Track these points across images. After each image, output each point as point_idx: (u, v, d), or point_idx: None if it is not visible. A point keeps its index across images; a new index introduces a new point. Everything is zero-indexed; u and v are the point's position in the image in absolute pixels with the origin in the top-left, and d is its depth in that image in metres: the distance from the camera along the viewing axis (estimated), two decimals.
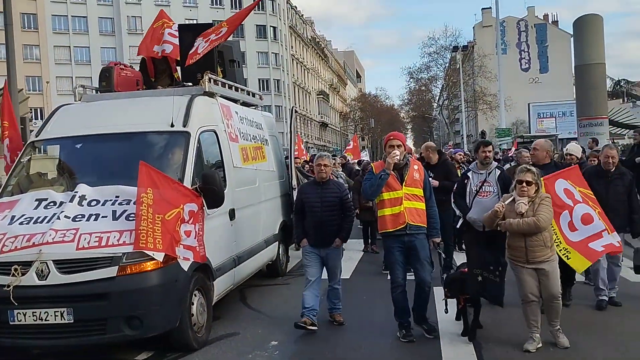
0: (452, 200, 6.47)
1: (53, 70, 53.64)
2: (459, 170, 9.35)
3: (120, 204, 5.24)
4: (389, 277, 5.83)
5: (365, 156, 21.98)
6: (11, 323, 4.85)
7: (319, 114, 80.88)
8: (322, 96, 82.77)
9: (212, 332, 5.86)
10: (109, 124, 6.28)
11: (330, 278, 6.18)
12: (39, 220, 5.15)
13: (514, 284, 5.38)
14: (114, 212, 5.17)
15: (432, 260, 5.54)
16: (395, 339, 5.56)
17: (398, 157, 5.31)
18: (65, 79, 53.03)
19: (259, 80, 59.46)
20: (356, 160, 16.74)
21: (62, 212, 5.14)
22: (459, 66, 49.76)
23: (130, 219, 5.03)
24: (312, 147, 61.58)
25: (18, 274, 4.80)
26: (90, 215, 5.13)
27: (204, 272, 5.68)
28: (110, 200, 5.30)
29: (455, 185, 6.58)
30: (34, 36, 52.39)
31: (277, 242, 8.39)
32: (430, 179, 6.24)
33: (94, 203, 5.28)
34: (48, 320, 4.81)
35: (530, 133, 39.44)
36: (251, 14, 7.87)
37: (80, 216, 5.12)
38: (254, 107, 8.69)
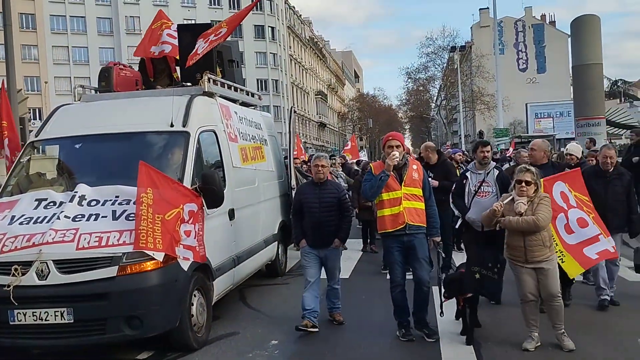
0: (451, 200, 6.47)
1: (51, 70, 53.56)
2: (458, 171, 9.37)
3: (120, 203, 5.24)
4: (388, 276, 5.84)
5: (363, 156, 21.99)
6: (11, 323, 4.85)
7: (317, 114, 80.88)
8: (320, 96, 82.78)
9: (212, 331, 5.87)
10: (109, 124, 6.28)
11: (330, 278, 6.18)
12: (38, 220, 5.15)
13: (513, 284, 5.40)
14: (114, 212, 5.17)
15: (430, 260, 5.55)
16: (394, 339, 5.58)
17: (397, 159, 5.31)
18: (64, 79, 52.97)
19: (257, 80, 59.45)
20: (355, 160, 16.76)
21: (62, 212, 5.15)
22: (457, 66, 49.77)
23: (130, 218, 5.04)
24: (310, 147, 61.61)
25: (18, 274, 4.80)
26: (90, 215, 5.14)
27: (204, 272, 5.68)
28: (110, 200, 5.30)
29: (454, 186, 6.59)
30: (32, 36, 52.31)
31: (276, 242, 8.40)
32: (429, 179, 6.25)
33: (93, 203, 5.28)
34: (48, 320, 4.81)
35: (527, 133, 39.45)
36: (249, 14, 7.88)
37: (80, 216, 5.13)
38: (253, 107, 8.70)
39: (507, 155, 18.82)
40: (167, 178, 5.37)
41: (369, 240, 10.80)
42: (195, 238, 5.34)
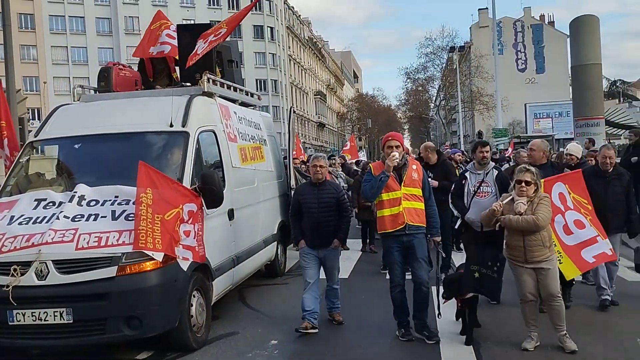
0: (450, 200, 6.46)
1: (50, 70, 53.54)
2: (457, 171, 9.37)
3: (119, 204, 5.24)
4: (387, 276, 5.84)
5: (362, 156, 22.02)
6: (10, 323, 4.85)
7: (316, 115, 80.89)
8: (319, 96, 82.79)
9: (211, 331, 5.86)
10: (108, 124, 6.27)
11: (329, 278, 6.18)
12: (38, 221, 5.15)
13: (513, 284, 5.40)
14: (113, 212, 5.17)
15: (430, 259, 5.55)
16: (394, 338, 5.58)
17: (397, 160, 5.30)
18: (63, 79, 52.95)
19: (257, 80, 59.42)
20: (354, 160, 16.78)
21: (62, 212, 5.14)
22: (456, 67, 49.77)
23: (130, 219, 5.03)
24: (309, 148, 61.63)
25: (17, 274, 4.80)
26: (90, 215, 5.13)
27: (203, 272, 5.68)
28: (110, 200, 5.30)
29: (453, 186, 6.58)
30: (31, 36, 52.28)
31: (275, 242, 8.39)
32: (429, 179, 6.25)
33: (93, 203, 5.28)
34: (47, 320, 4.81)
35: (526, 133, 39.51)
36: (248, 14, 7.88)
37: (79, 216, 5.12)
38: (252, 107, 8.70)
39: (506, 155, 18.83)
40: (166, 178, 5.37)
41: (368, 240, 10.80)
42: (194, 238, 5.34)
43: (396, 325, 5.64)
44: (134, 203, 5.09)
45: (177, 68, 7.92)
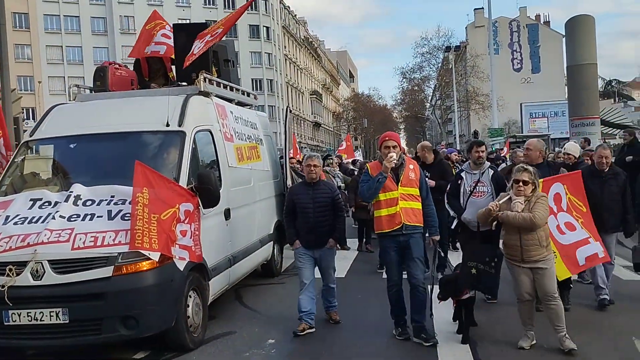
0: (446, 200, 6.45)
1: (45, 70, 53.33)
2: (454, 170, 9.38)
3: (115, 203, 5.22)
4: (383, 275, 5.85)
5: (358, 156, 22.01)
6: (6, 323, 4.82)
7: (312, 114, 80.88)
8: (315, 96, 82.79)
9: (208, 331, 5.86)
10: (104, 123, 6.25)
11: (325, 278, 6.17)
12: (33, 220, 5.12)
13: (509, 283, 5.42)
14: (110, 211, 5.15)
15: (426, 259, 5.55)
16: (391, 337, 5.59)
17: (395, 161, 5.28)
18: (58, 78, 52.78)
19: (252, 80, 59.39)
20: (350, 160, 16.79)
21: (57, 212, 5.12)
22: (452, 66, 49.92)
23: (126, 218, 5.01)
24: (305, 147, 61.56)
25: (13, 274, 4.78)
26: (86, 215, 5.11)
27: (200, 272, 5.67)
28: (106, 200, 5.28)
29: (449, 186, 6.58)
30: (25, 35, 52.07)
31: (271, 242, 8.38)
32: (426, 178, 6.24)
33: (89, 203, 5.26)
34: (43, 320, 4.78)
35: (522, 133, 39.63)
36: (244, 13, 7.87)
37: (75, 216, 5.10)
38: (248, 107, 8.69)
39: (502, 155, 18.87)
40: (163, 178, 5.35)
41: (364, 240, 10.81)
42: (191, 238, 5.33)
43: (393, 324, 5.64)
44: (130, 203, 5.07)
45: (173, 67, 7.91)
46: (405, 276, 5.55)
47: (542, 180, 5.48)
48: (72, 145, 6.45)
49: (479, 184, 6.09)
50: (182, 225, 5.26)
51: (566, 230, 5.69)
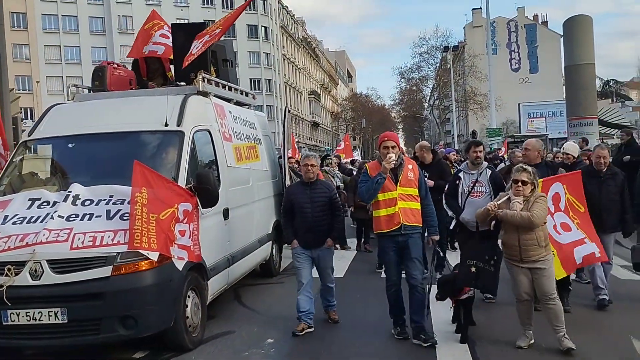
0: (444, 201, 6.44)
1: (43, 69, 53.23)
2: (452, 170, 9.39)
3: (114, 203, 5.22)
4: (382, 275, 5.86)
5: (357, 155, 22.02)
6: (4, 323, 4.82)
7: (310, 114, 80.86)
8: (313, 96, 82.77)
9: (207, 331, 5.86)
10: (102, 123, 6.25)
11: (324, 278, 6.17)
12: (32, 220, 5.12)
13: (508, 282, 5.42)
14: (108, 211, 5.15)
15: (425, 259, 5.55)
16: (389, 337, 5.59)
17: (394, 162, 5.27)
18: (56, 78, 52.70)
19: (251, 80, 59.36)
20: (349, 160, 16.80)
21: (56, 211, 5.11)
22: (450, 66, 49.95)
23: (125, 218, 5.01)
24: (303, 147, 61.55)
25: (11, 274, 4.78)
26: (84, 214, 5.11)
27: (199, 272, 5.67)
28: (104, 199, 5.27)
29: (447, 186, 6.58)
30: (23, 35, 51.96)
31: (270, 242, 8.39)
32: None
33: (87, 203, 5.25)
34: (42, 320, 4.78)
35: (520, 133, 39.65)
36: (242, 13, 7.87)
37: (74, 216, 5.10)
38: (247, 107, 8.69)
39: (500, 155, 18.89)
40: (161, 177, 5.35)
41: (363, 240, 10.81)
42: (190, 237, 5.33)
43: (391, 323, 5.65)
44: (128, 202, 5.07)
45: (171, 67, 7.90)
46: (404, 276, 5.56)
47: (542, 180, 5.48)
48: (70, 145, 6.44)
49: (477, 184, 6.09)
50: (181, 225, 5.26)
51: (562, 230, 5.71)
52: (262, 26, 63.40)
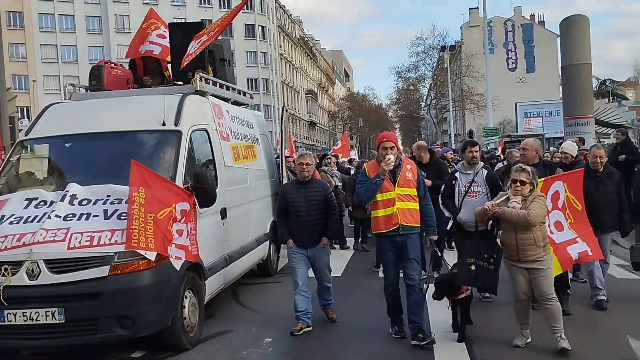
0: (441, 201, 6.44)
1: (40, 69, 53.09)
2: (450, 170, 9.39)
3: (111, 203, 5.21)
4: (380, 274, 5.86)
5: (354, 155, 22.03)
6: (1, 323, 4.81)
7: (307, 113, 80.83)
8: (310, 95, 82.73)
9: (205, 330, 5.86)
10: (100, 122, 6.23)
11: (321, 277, 6.15)
12: (29, 220, 5.10)
13: (506, 281, 5.43)
14: (106, 211, 5.14)
15: (424, 259, 5.54)
16: (387, 336, 5.60)
17: (393, 163, 5.25)
18: (52, 77, 52.55)
19: (248, 79, 59.28)
20: (347, 159, 16.81)
21: (53, 211, 5.10)
22: (447, 66, 49.90)
23: (122, 218, 5.01)
24: (300, 147, 61.53)
25: (8, 274, 4.77)
26: (82, 214, 5.10)
27: (196, 272, 5.66)
28: (102, 199, 5.26)
29: (443, 187, 6.56)
30: (20, 34, 51.82)
31: (268, 241, 8.39)
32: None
33: (85, 202, 5.24)
34: (39, 320, 4.77)
35: (517, 132, 39.68)
36: (239, 13, 7.87)
37: (71, 215, 5.09)
38: (244, 106, 8.68)
39: (497, 154, 18.90)
40: (159, 177, 5.35)
41: (360, 239, 10.82)
42: (187, 237, 5.33)
43: (389, 322, 5.65)
44: (126, 202, 5.06)
45: (169, 66, 7.89)
46: (402, 275, 5.56)
47: (543, 179, 5.48)
48: (67, 145, 6.41)
49: (473, 184, 6.10)
50: (179, 224, 5.25)
51: (554, 230, 5.72)
52: (259, 25, 63.34)
